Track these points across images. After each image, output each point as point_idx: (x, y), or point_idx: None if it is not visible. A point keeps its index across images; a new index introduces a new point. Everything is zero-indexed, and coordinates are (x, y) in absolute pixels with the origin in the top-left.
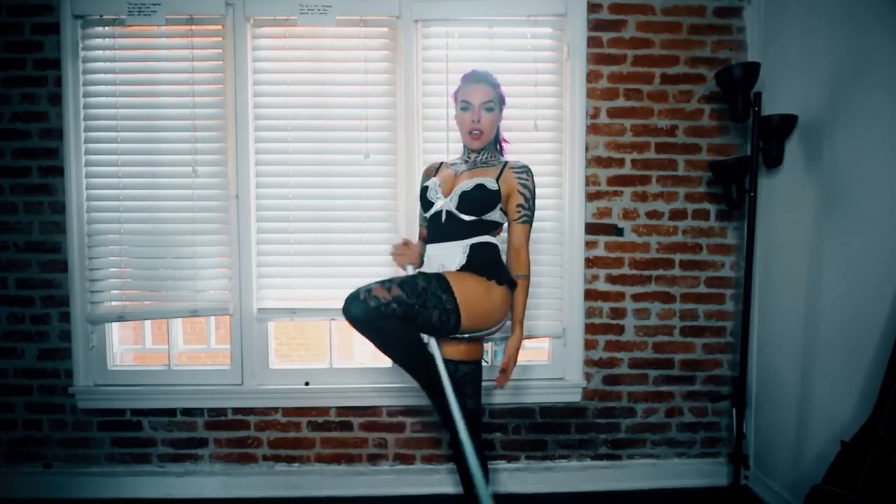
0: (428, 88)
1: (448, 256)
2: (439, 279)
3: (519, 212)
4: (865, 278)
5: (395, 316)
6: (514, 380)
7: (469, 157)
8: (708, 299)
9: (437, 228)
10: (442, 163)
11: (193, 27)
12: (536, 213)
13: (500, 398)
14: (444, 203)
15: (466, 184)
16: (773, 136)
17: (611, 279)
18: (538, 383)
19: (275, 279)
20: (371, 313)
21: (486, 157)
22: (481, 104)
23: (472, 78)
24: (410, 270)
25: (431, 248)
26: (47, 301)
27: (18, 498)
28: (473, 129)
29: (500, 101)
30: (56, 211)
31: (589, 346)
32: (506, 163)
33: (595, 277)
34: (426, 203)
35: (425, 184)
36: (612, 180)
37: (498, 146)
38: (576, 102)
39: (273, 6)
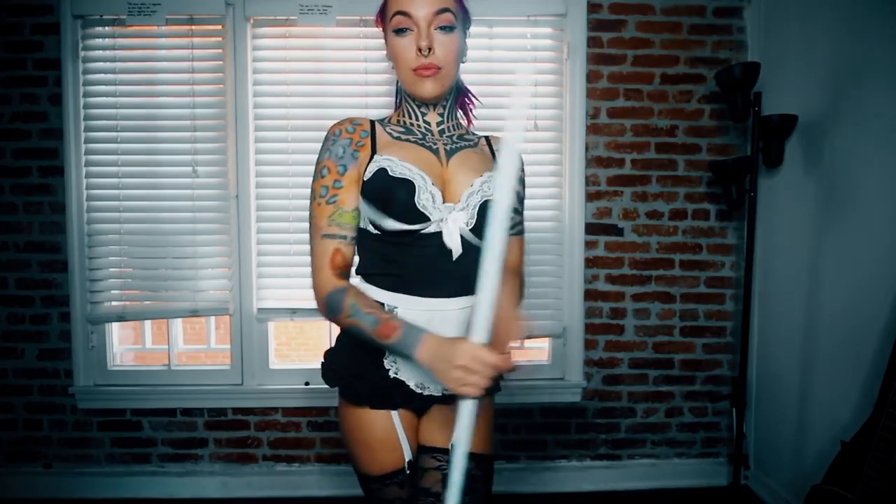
0: None
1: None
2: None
3: (513, 218)
4: (865, 278)
5: None
6: (514, 380)
7: (423, 122)
8: (708, 299)
9: (434, 265)
10: (374, 122)
11: (193, 27)
12: (536, 212)
13: (500, 398)
14: (452, 218)
15: (483, 185)
16: (773, 136)
17: (611, 279)
18: (538, 383)
19: (275, 279)
20: None
21: (455, 123)
22: (432, 17)
23: None
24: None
25: (424, 310)
26: (47, 301)
27: (18, 498)
28: (422, 64)
29: (464, 17)
30: (56, 211)
31: (589, 346)
32: (485, 138)
33: (595, 277)
34: (406, 209)
35: (401, 174)
36: (612, 180)
37: (458, 105)
38: (576, 102)
39: (273, 6)
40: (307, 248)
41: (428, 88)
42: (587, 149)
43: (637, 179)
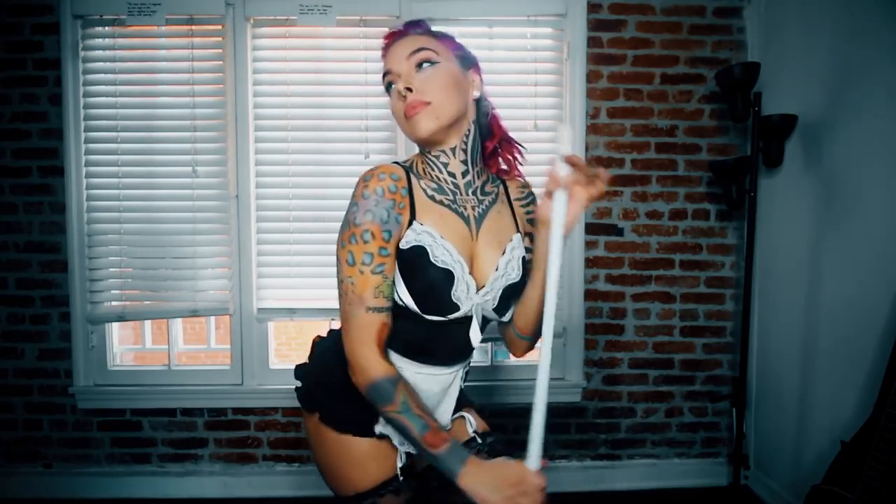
0: None
1: (450, 396)
2: None
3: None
4: (865, 278)
5: None
6: (514, 380)
7: (448, 175)
8: (708, 299)
9: (444, 340)
10: (408, 171)
11: (193, 27)
12: None
13: (500, 398)
14: (477, 302)
15: (508, 265)
16: (773, 136)
17: (611, 279)
18: None
19: (275, 279)
20: None
21: (480, 169)
22: (407, 62)
23: (390, 42)
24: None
25: (419, 375)
26: (47, 301)
27: (18, 498)
28: (408, 105)
29: (459, 53)
30: (56, 211)
31: (589, 346)
32: (503, 182)
33: (595, 277)
34: (440, 298)
35: (443, 263)
36: (612, 180)
37: (503, 157)
38: (576, 102)
39: (273, 6)
40: (307, 247)
41: (421, 126)
42: (587, 149)
43: (637, 179)
